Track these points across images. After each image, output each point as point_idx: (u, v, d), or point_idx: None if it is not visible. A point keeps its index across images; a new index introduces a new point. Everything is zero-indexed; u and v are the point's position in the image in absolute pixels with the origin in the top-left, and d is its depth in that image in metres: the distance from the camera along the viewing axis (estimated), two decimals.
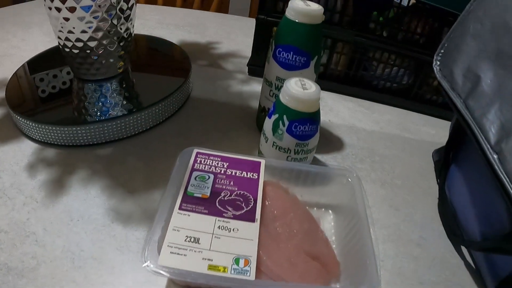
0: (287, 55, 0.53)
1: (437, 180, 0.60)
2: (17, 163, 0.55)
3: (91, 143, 0.58)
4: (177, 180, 0.45)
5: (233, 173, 0.47)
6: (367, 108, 0.75)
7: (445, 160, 0.58)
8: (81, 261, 0.44)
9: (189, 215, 0.41)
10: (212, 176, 0.46)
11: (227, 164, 0.48)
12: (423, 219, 0.54)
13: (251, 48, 0.78)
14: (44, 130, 0.56)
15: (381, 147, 0.65)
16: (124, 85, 0.65)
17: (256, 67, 0.76)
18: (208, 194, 0.44)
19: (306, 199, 0.49)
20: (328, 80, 0.76)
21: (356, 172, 0.48)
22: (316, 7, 0.51)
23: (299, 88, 0.48)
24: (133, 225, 0.48)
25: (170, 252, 0.37)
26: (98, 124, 0.57)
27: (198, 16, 1.02)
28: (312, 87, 0.48)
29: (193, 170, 0.47)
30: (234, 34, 0.92)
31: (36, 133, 0.57)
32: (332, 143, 0.64)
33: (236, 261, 0.38)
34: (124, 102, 0.61)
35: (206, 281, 0.36)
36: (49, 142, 0.58)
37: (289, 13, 0.52)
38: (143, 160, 0.57)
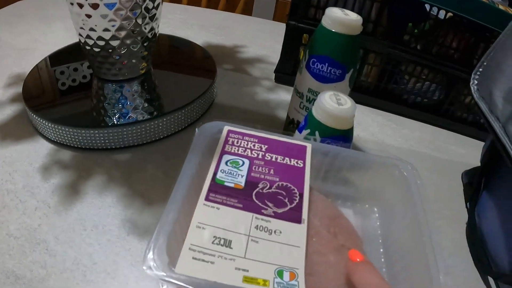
0: (322, 67, 0.50)
1: (466, 204, 0.57)
2: (30, 164, 0.53)
3: (109, 147, 0.55)
4: (194, 162, 0.36)
5: (274, 159, 0.38)
6: (396, 123, 0.71)
7: (477, 185, 0.55)
8: (93, 275, 0.41)
9: (218, 209, 0.33)
10: (247, 162, 0.38)
11: (266, 147, 0.40)
12: (452, 246, 0.50)
13: (278, 54, 0.75)
14: (60, 131, 0.54)
15: None
16: (145, 87, 0.62)
17: (283, 74, 0.73)
18: (243, 184, 0.36)
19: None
20: (358, 92, 0.73)
21: (412, 164, 0.41)
22: (355, 17, 0.48)
23: (334, 104, 0.44)
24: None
25: (193, 258, 0.30)
26: (117, 128, 0.54)
27: (223, 18, 0.99)
28: (347, 102, 0.45)
29: (223, 152, 0.39)
30: (261, 39, 0.89)
31: (52, 134, 0.55)
32: None
33: (279, 273, 0.30)
34: (145, 105, 0.58)
35: None
36: (65, 143, 0.55)
37: (326, 22, 0.49)
38: (163, 169, 0.54)
